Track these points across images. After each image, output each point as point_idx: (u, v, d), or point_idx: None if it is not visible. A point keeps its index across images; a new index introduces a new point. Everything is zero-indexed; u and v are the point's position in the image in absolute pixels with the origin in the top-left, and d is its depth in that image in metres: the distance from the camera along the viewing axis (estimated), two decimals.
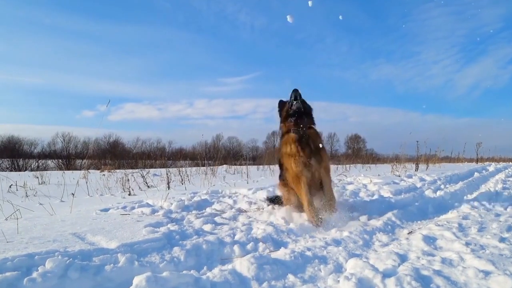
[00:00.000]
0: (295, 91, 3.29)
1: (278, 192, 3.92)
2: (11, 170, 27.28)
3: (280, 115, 3.43)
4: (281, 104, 3.48)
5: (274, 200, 4.00)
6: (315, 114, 3.43)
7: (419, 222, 3.47)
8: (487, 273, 1.90)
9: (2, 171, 22.13)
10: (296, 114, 3.23)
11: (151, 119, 77.85)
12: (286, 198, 3.60)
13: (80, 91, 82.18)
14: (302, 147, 3.15)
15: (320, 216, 3.12)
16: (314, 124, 3.38)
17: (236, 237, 2.58)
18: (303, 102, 3.32)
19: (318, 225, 3.04)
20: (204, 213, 3.56)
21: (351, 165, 15.90)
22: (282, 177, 3.62)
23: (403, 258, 2.20)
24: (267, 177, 9.00)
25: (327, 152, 3.44)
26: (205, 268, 2.09)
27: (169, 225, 2.81)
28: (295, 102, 3.25)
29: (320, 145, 3.25)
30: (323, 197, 3.31)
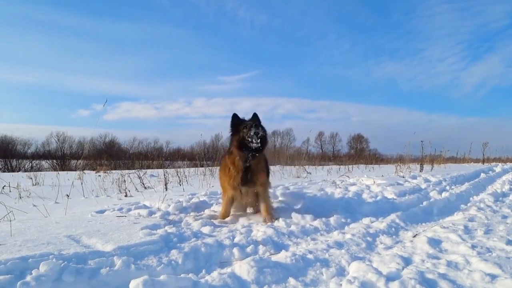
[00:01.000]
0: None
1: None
2: (4, 171, 27.30)
3: (233, 131, 3.33)
4: (236, 119, 3.35)
5: None
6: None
7: (423, 224, 3.47)
8: (493, 277, 1.91)
9: None
10: (254, 149, 3.17)
11: (148, 119, 78.05)
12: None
13: (75, 89, 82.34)
14: (241, 175, 3.26)
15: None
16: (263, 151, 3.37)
17: (236, 240, 2.58)
18: (264, 131, 3.22)
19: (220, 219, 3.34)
20: (203, 215, 3.56)
21: (354, 166, 15.91)
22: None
23: (407, 261, 2.20)
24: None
25: (267, 168, 3.58)
26: (203, 271, 2.09)
27: (166, 227, 2.81)
28: (256, 133, 3.12)
29: (259, 166, 3.37)
30: (260, 205, 3.48)
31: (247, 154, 3.19)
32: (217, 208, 3.94)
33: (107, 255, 2.05)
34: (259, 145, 3.16)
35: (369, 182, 6.57)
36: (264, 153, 3.50)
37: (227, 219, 3.39)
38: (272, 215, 3.41)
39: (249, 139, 3.14)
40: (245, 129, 3.19)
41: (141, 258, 2.11)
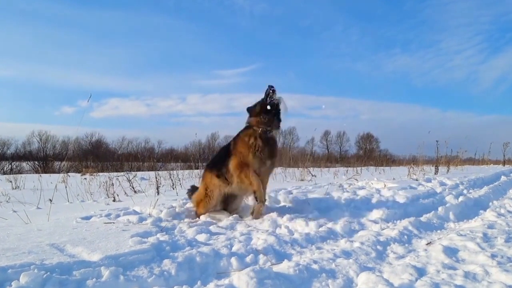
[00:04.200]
0: (272, 87, 3.68)
1: (200, 184, 4.17)
2: None
3: (251, 112, 3.79)
4: (251, 108, 3.83)
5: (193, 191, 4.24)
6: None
7: (439, 231, 3.48)
8: None
9: None
10: (273, 110, 3.64)
11: (139, 116, 78.02)
12: (211, 189, 3.86)
13: (59, 84, 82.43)
14: (264, 145, 3.60)
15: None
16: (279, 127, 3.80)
17: (234, 249, 2.58)
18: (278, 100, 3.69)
19: (262, 208, 3.68)
20: (198, 222, 3.56)
21: (363, 168, 15.92)
22: (217, 165, 3.88)
23: (421, 272, 2.20)
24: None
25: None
26: (199, 283, 2.09)
27: (158, 235, 2.82)
28: (274, 97, 3.64)
29: (276, 143, 3.80)
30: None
31: (270, 120, 3.63)
32: (213, 214, 3.94)
33: (93, 265, 2.04)
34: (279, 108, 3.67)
35: (379, 185, 6.57)
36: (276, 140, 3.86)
37: (224, 223, 3.40)
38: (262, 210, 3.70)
39: (268, 105, 3.60)
40: (266, 97, 3.66)
41: (130, 268, 2.11)
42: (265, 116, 3.63)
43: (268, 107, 3.61)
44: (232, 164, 3.66)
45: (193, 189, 4.35)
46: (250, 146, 3.59)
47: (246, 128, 3.77)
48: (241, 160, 3.62)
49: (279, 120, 3.74)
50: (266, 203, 3.94)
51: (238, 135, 3.82)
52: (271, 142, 3.67)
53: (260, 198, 3.63)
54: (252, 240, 2.84)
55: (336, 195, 5.12)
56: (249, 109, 3.81)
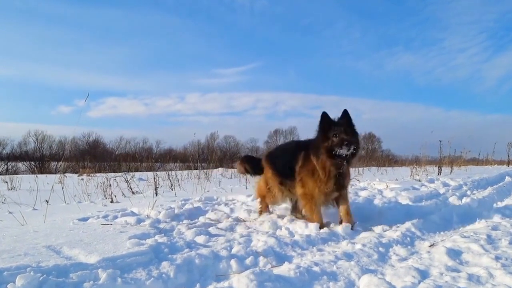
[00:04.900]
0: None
1: (262, 183, 4.11)
2: None
3: (321, 132, 3.39)
4: (326, 119, 3.41)
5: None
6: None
7: (442, 233, 3.48)
8: None
9: None
10: (345, 156, 3.27)
11: (136, 116, 77.93)
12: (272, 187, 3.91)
13: (55, 83, 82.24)
14: (334, 181, 3.39)
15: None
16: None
17: (234, 251, 2.58)
18: (356, 137, 3.37)
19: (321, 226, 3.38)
20: (197, 223, 3.56)
21: (365, 168, 15.92)
22: (280, 170, 3.84)
23: (424, 275, 2.20)
24: None
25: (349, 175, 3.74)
26: (198, 285, 2.09)
27: (156, 237, 2.82)
28: (347, 143, 3.19)
29: (348, 170, 3.58)
30: (341, 207, 3.62)
31: (340, 162, 3.30)
32: (213, 215, 3.95)
33: (90, 268, 2.05)
34: (351, 153, 3.24)
35: (381, 186, 6.58)
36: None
37: (223, 225, 3.41)
38: (353, 218, 3.55)
39: (339, 149, 3.20)
40: (334, 137, 3.25)
41: (128, 270, 2.11)
42: (336, 158, 3.27)
43: (337, 152, 3.22)
44: (298, 190, 3.60)
45: (248, 160, 4.41)
46: (315, 177, 3.41)
47: (317, 153, 3.40)
48: (308, 192, 3.50)
49: (355, 151, 3.31)
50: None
51: (307, 152, 3.53)
52: (343, 173, 3.43)
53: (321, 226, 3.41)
54: (252, 242, 2.84)
55: None
56: (319, 137, 3.40)
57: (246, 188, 7.25)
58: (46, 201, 4.41)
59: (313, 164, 3.44)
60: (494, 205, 5.16)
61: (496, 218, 3.92)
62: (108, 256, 2.21)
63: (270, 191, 3.94)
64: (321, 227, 3.34)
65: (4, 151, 44.19)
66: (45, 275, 1.85)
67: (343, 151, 3.19)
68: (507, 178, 9.15)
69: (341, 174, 3.41)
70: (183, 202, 4.78)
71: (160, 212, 3.83)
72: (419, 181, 7.86)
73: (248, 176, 4.89)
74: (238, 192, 6.09)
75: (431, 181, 7.72)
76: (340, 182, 3.44)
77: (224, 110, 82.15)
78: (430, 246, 2.90)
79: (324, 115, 3.39)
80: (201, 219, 3.80)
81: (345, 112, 3.41)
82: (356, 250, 2.69)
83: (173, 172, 9.24)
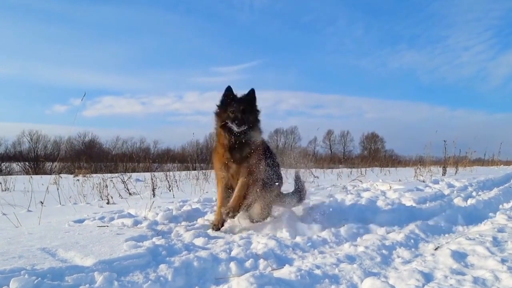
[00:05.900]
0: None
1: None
2: None
3: (221, 106, 3.50)
4: (228, 93, 3.48)
5: None
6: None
7: (447, 235, 3.48)
8: None
9: None
10: (237, 134, 3.34)
11: (134, 115, 78.18)
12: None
13: (50, 82, 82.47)
14: (231, 152, 3.41)
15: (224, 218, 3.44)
16: (257, 137, 3.50)
17: (233, 253, 2.58)
18: (248, 121, 3.37)
19: (214, 227, 3.40)
20: (196, 225, 3.57)
21: (367, 169, 15.94)
22: None
23: (428, 278, 2.21)
24: None
25: (272, 163, 3.72)
26: None
27: (154, 239, 2.82)
28: (238, 123, 3.28)
29: (253, 152, 3.47)
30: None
31: (233, 136, 3.36)
32: (212, 217, 3.95)
33: (86, 271, 2.05)
34: (241, 130, 3.32)
35: (384, 187, 6.58)
36: (265, 142, 3.73)
37: (224, 227, 3.40)
38: (234, 208, 3.34)
39: (231, 124, 3.32)
40: (231, 113, 3.35)
41: (125, 273, 2.11)
42: (229, 133, 3.39)
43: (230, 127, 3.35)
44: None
45: None
46: (218, 152, 3.56)
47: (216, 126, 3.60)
48: (214, 170, 3.70)
49: (247, 131, 3.39)
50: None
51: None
52: (244, 146, 3.44)
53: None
54: (252, 244, 2.84)
55: (340, 197, 5.13)
56: (218, 109, 3.55)
57: None
58: (41, 202, 4.42)
59: (215, 145, 3.59)
60: (500, 206, 5.17)
61: (502, 220, 3.93)
62: (104, 259, 2.21)
63: None
64: (217, 221, 3.40)
65: None
66: (39, 278, 1.85)
67: (234, 128, 3.31)
68: None
69: (240, 146, 3.40)
70: (181, 203, 4.78)
71: (157, 214, 3.83)
72: (423, 182, 7.86)
73: None
74: None
75: (436, 182, 7.72)
76: (237, 155, 3.42)
77: None
78: (434, 249, 2.90)
79: (228, 89, 3.49)
80: (200, 221, 3.79)
81: (251, 91, 3.51)
82: (359, 253, 2.69)
83: (171, 172, 9.25)
